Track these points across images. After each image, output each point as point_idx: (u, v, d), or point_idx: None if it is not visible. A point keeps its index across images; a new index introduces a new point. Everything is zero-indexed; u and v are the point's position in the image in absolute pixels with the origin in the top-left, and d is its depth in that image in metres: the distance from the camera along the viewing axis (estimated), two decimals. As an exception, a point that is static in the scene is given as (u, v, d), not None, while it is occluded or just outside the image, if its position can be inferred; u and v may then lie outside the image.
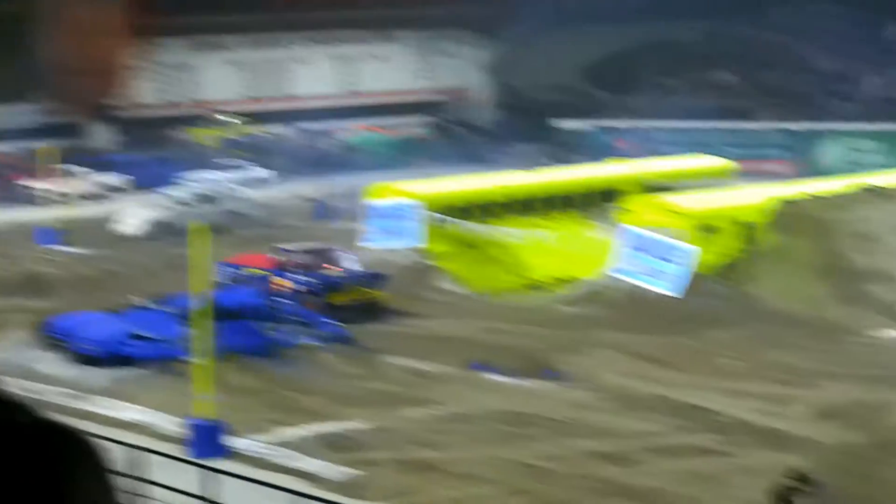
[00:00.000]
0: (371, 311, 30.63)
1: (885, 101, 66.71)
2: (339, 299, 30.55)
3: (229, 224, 39.66)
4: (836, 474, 19.13)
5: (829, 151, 66.61)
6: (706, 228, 33.30)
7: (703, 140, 63.39)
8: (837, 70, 70.36)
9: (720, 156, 56.00)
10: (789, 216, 33.59)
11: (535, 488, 19.27)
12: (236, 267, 31.91)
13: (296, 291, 30.07)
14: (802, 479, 13.56)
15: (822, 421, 22.49)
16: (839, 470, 19.42)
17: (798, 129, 67.27)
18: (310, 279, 30.99)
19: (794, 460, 19.38)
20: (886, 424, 22.08)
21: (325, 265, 31.93)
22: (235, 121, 58.99)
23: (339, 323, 27.94)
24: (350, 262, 32.58)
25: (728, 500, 18.53)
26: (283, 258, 32.08)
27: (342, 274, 31.70)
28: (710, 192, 36.71)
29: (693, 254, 32.47)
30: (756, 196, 35.72)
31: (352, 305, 30.39)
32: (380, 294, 31.60)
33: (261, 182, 50.45)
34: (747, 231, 33.58)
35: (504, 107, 66.93)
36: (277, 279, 30.85)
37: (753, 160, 64.03)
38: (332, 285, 31.00)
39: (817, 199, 34.62)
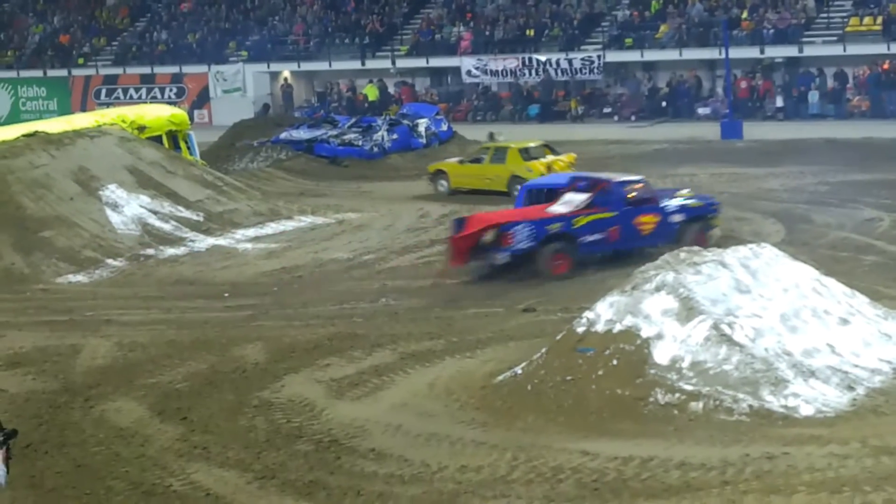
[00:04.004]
0: None
1: (46, 49, 67.30)
2: None
3: None
4: (26, 421, 19.46)
5: (-1, 99, 66.23)
6: None
7: None
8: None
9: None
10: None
11: None
12: None
13: None
14: None
15: (10, 370, 22.61)
16: (28, 416, 19.74)
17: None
18: None
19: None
20: (71, 367, 22.63)
21: None
22: None
23: None
24: None
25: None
26: None
27: None
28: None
29: None
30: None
31: None
32: None
33: None
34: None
35: None
36: None
37: None
38: None
39: (-13, 148, 34.36)
